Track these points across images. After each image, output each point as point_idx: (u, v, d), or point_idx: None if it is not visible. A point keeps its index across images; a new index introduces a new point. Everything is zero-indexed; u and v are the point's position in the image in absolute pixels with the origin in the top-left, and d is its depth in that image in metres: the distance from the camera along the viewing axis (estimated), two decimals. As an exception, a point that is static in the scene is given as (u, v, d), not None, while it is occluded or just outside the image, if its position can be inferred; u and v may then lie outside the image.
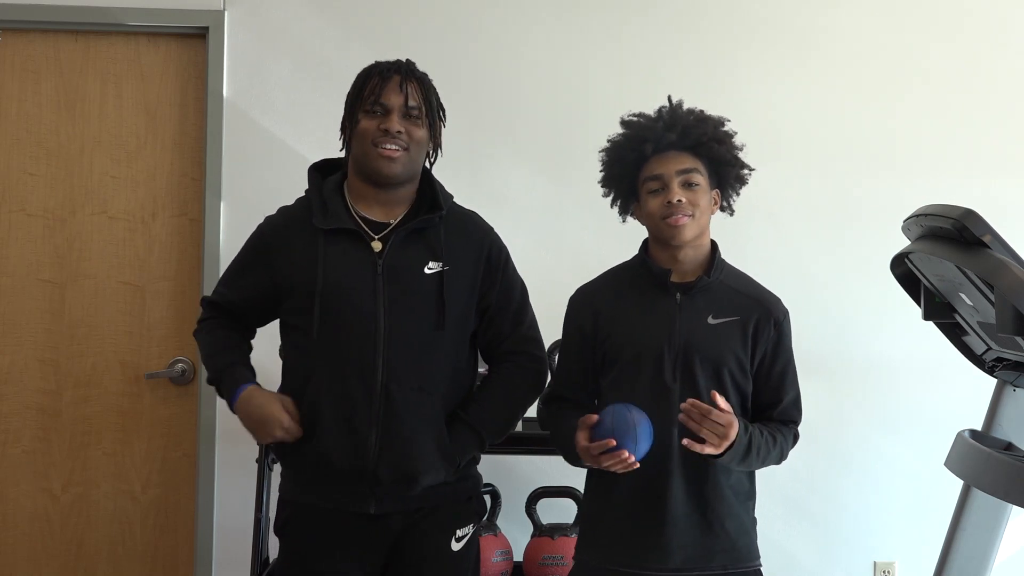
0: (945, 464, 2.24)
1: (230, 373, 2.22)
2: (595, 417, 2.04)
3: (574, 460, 2.17)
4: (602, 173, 2.24)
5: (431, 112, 2.21)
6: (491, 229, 2.31)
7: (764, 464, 2.14)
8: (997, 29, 3.37)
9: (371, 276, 2.14)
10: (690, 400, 2.01)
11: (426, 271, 2.17)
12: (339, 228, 2.17)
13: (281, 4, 3.27)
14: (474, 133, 3.24)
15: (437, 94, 2.25)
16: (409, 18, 3.28)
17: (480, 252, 2.24)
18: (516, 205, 3.21)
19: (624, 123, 2.21)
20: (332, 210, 2.18)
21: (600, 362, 2.18)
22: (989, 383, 2.41)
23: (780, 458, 2.17)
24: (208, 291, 3.16)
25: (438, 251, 2.18)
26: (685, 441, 1.99)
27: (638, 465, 2.01)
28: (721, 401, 2.00)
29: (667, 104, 2.19)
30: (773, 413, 2.17)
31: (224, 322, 2.31)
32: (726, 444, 2.00)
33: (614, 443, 1.97)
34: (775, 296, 2.21)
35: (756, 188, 2.24)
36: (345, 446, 2.12)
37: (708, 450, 2.00)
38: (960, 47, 3.35)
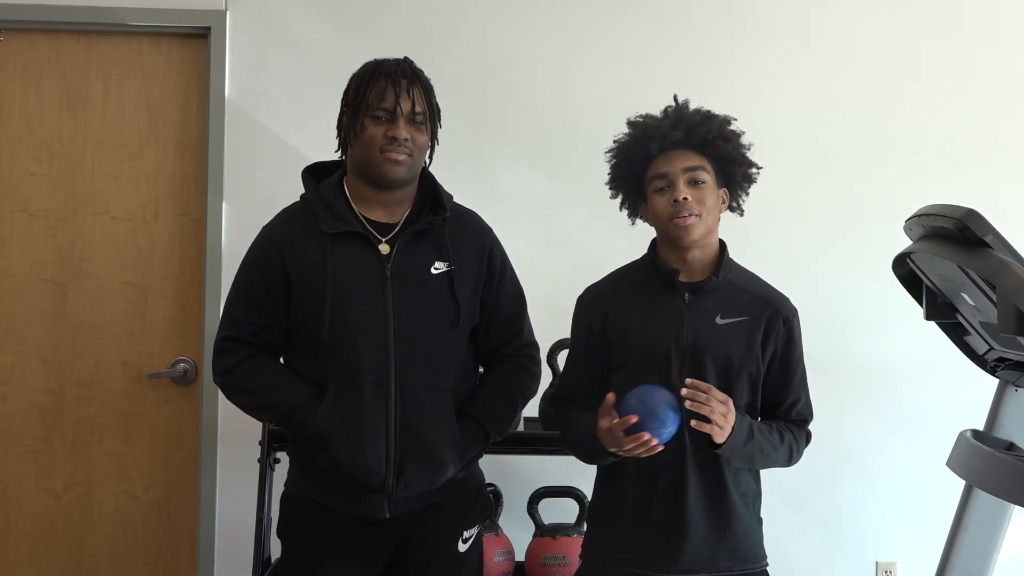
0: (947, 464, 2.24)
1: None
2: (613, 397, 2.01)
3: (588, 457, 2.16)
4: (609, 175, 2.23)
5: (432, 115, 2.21)
6: (490, 230, 2.31)
7: (771, 461, 2.12)
8: (997, 27, 3.36)
9: (379, 279, 2.13)
10: (689, 380, 1.99)
11: (432, 271, 2.16)
12: (345, 231, 2.15)
13: (283, 4, 3.27)
14: (474, 133, 3.24)
15: (435, 94, 2.24)
16: (410, 18, 3.28)
17: (481, 251, 2.24)
18: (516, 205, 3.21)
19: (630, 123, 2.20)
20: (337, 213, 2.17)
21: (608, 362, 2.17)
22: (991, 383, 2.41)
23: (791, 458, 2.16)
24: (210, 292, 3.19)
25: (444, 251, 2.18)
26: (693, 422, 1.96)
27: (662, 448, 1.97)
28: (702, 384, 1.99)
29: (673, 103, 2.19)
30: (783, 412, 2.17)
31: (262, 358, 2.20)
32: (728, 428, 1.98)
33: (635, 419, 1.94)
34: (783, 295, 2.20)
35: (756, 188, 2.24)
36: (361, 458, 2.08)
37: (714, 431, 1.97)
38: (960, 45, 3.34)
